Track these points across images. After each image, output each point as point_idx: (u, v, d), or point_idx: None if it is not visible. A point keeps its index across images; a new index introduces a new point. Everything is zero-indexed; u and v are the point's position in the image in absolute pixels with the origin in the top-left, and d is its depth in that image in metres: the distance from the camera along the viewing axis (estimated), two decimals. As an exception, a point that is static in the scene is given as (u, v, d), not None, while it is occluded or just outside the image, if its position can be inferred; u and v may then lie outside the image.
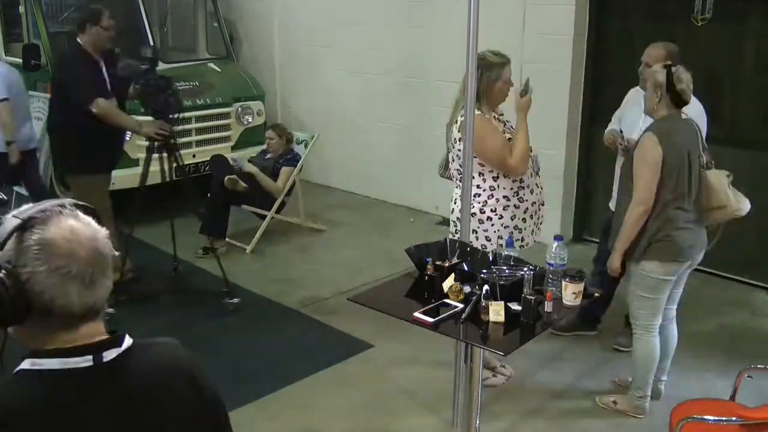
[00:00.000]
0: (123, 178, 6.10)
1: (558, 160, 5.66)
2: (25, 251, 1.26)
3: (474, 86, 3.20)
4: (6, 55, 7.06)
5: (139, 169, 6.19)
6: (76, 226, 1.31)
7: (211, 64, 7.13)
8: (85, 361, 1.30)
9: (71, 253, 1.28)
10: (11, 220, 1.28)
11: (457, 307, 2.73)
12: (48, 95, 6.09)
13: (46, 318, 1.28)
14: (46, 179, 6.03)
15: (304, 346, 4.28)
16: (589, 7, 5.44)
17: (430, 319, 2.66)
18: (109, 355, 1.33)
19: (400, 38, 6.55)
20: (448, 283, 2.82)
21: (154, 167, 6.16)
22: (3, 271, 1.24)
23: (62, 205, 1.33)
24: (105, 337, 1.36)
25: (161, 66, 6.65)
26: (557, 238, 2.86)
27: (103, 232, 1.35)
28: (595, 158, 5.74)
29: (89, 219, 1.35)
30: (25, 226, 1.27)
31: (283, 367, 4.00)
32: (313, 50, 7.35)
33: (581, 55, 5.52)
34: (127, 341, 1.38)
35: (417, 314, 2.68)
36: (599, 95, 5.62)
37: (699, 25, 4.98)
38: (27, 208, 1.30)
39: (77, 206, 1.36)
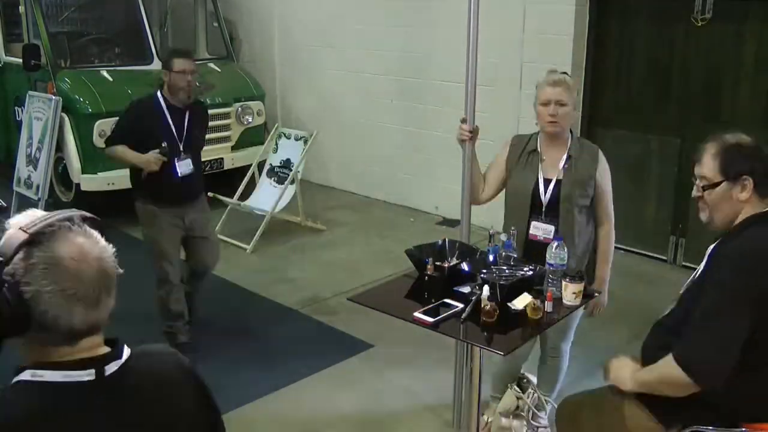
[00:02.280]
0: (123, 178, 6.11)
1: (558, 160, 5.66)
2: (31, 269, 1.23)
3: (474, 86, 3.19)
4: (6, 55, 7.07)
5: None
6: (85, 244, 1.28)
7: (211, 64, 7.13)
8: (88, 375, 1.29)
9: (78, 274, 1.25)
10: (18, 233, 1.24)
11: (457, 307, 2.73)
12: (48, 95, 6.12)
13: (46, 333, 1.26)
14: (47, 179, 6.02)
15: (304, 346, 4.28)
16: (589, 7, 5.44)
17: (430, 319, 2.65)
18: (111, 368, 1.32)
19: (400, 38, 6.55)
20: (524, 300, 2.69)
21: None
22: (6, 285, 1.21)
23: (70, 219, 1.30)
24: (106, 349, 1.34)
25: (161, 66, 6.69)
26: (557, 238, 2.85)
27: (109, 249, 1.33)
28: (595, 158, 5.74)
29: (97, 235, 1.32)
30: (33, 241, 1.24)
31: (283, 367, 4.00)
32: (313, 50, 7.36)
33: (581, 55, 5.52)
34: (126, 352, 1.37)
35: (417, 314, 2.68)
36: (599, 96, 5.63)
37: (699, 25, 4.99)
38: (34, 221, 1.26)
39: (85, 219, 1.33)
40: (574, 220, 3.01)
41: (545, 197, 3.04)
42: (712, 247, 2.26)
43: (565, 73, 3.11)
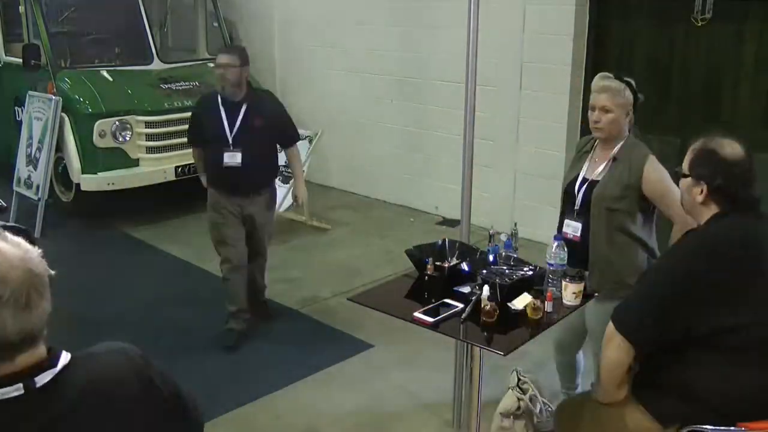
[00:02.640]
0: (123, 178, 6.12)
1: (558, 160, 5.66)
2: None
3: (474, 86, 3.19)
4: (6, 55, 7.07)
5: (139, 169, 6.25)
6: (5, 248, 1.23)
7: (211, 64, 7.11)
8: (16, 390, 1.22)
9: (2, 276, 1.20)
10: None
11: (457, 307, 2.73)
12: (48, 95, 6.12)
13: None
14: (47, 179, 6.02)
15: (304, 346, 4.28)
16: (589, 7, 5.44)
17: (430, 319, 2.66)
18: (43, 378, 1.25)
19: (400, 38, 6.55)
20: (524, 300, 2.70)
21: (154, 167, 6.25)
22: None
23: None
24: (36, 360, 1.26)
25: (161, 66, 6.71)
26: (557, 238, 2.85)
27: (35, 251, 1.27)
28: (595, 158, 5.74)
29: (18, 239, 1.27)
30: None
31: (283, 367, 4.00)
32: (313, 50, 7.36)
33: (581, 55, 5.52)
34: (64, 359, 1.30)
35: (417, 314, 2.68)
36: (599, 95, 5.62)
37: (699, 25, 4.98)
38: None
39: (5, 227, 1.30)
40: (606, 222, 2.97)
41: (579, 196, 3.07)
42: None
43: (622, 78, 3.07)
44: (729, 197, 2.22)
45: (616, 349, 2.22)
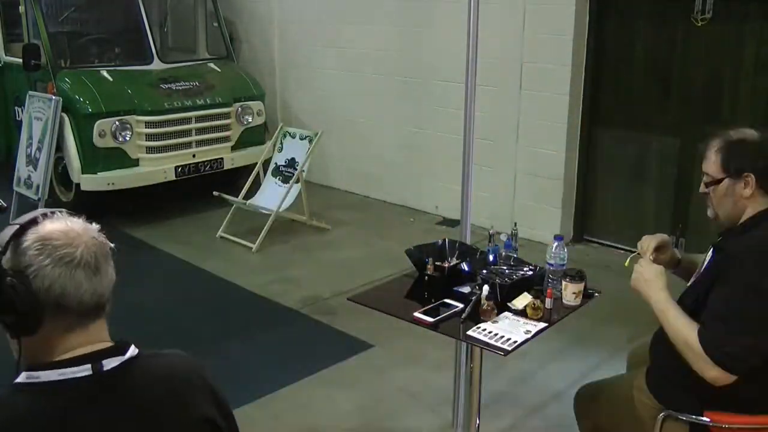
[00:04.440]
0: (123, 178, 6.13)
1: (558, 160, 5.67)
2: (24, 252, 1.27)
3: (474, 86, 3.19)
4: (6, 55, 7.07)
5: (139, 169, 6.25)
6: (68, 221, 1.34)
7: (211, 64, 7.13)
8: (84, 371, 1.28)
9: (71, 241, 1.29)
10: (9, 228, 1.30)
11: (457, 307, 2.73)
12: (48, 95, 6.12)
13: (58, 319, 1.27)
14: (47, 179, 6.02)
15: (304, 346, 4.28)
16: (589, 7, 5.44)
17: (430, 319, 2.66)
18: (110, 363, 1.31)
19: (400, 38, 6.55)
20: (524, 300, 2.69)
21: (154, 167, 6.26)
22: (8, 278, 1.24)
23: (52, 212, 1.36)
24: (105, 345, 1.34)
25: (161, 66, 6.71)
26: (557, 238, 2.85)
27: (94, 226, 1.37)
28: (595, 158, 5.75)
29: (76, 218, 1.37)
30: (18, 233, 1.29)
31: (283, 367, 4.00)
32: (313, 50, 7.36)
33: (581, 55, 5.53)
34: (132, 351, 1.36)
35: (417, 314, 2.68)
36: (599, 95, 5.63)
37: (699, 25, 4.99)
38: (17, 220, 1.33)
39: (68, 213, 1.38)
40: None
41: None
42: (718, 240, 2.25)
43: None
44: None
45: (712, 376, 2.06)
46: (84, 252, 1.29)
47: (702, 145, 2.26)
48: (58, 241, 1.28)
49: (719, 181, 2.19)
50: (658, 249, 2.49)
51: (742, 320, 2.03)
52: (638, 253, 2.46)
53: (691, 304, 2.21)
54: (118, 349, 1.34)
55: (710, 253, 2.28)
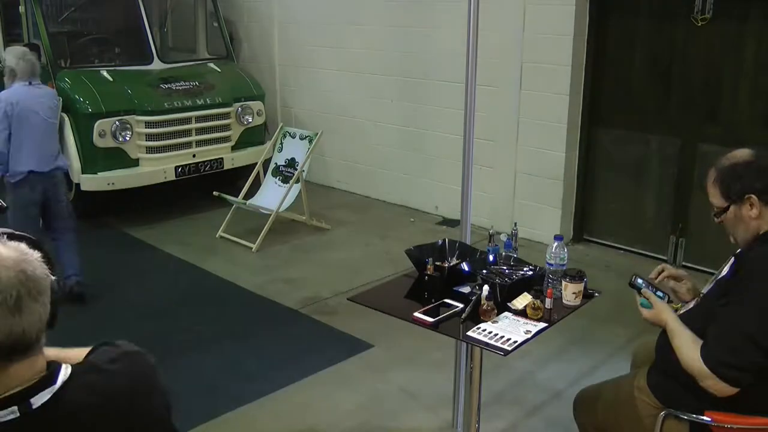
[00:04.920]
0: (123, 178, 6.13)
1: (558, 160, 5.67)
2: None
3: (474, 86, 3.18)
4: (6, 55, 7.07)
5: (139, 169, 6.25)
6: (0, 250, 1.20)
7: (211, 64, 7.13)
8: (11, 413, 1.16)
9: None
10: None
11: (457, 307, 2.73)
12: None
13: None
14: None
15: (304, 346, 4.28)
16: (589, 7, 5.44)
17: (430, 319, 2.66)
18: (41, 399, 1.19)
19: (400, 38, 6.55)
20: (524, 300, 2.70)
21: (154, 167, 6.26)
22: None
23: None
24: (34, 379, 1.20)
25: (161, 66, 6.71)
26: (557, 238, 2.85)
27: (34, 255, 1.23)
28: (594, 158, 5.75)
29: (19, 244, 1.24)
30: None
31: (283, 367, 4.00)
32: (313, 50, 7.36)
33: (581, 55, 5.53)
34: (64, 374, 1.24)
35: (417, 314, 2.68)
36: (599, 95, 5.63)
37: (699, 25, 4.98)
38: None
39: (13, 236, 1.27)
40: None
41: None
42: (738, 251, 2.26)
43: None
44: None
45: (716, 389, 2.10)
46: (3, 290, 1.15)
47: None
48: None
49: (726, 209, 2.23)
50: (674, 278, 2.57)
51: (750, 342, 2.05)
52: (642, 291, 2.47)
53: (700, 310, 2.24)
54: (49, 378, 1.22)
55: (731, 261, 2.28)
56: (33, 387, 1.19)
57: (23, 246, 1.24)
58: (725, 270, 2.29)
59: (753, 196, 2.17)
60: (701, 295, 2.39)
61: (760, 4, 4.77)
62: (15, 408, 1.16)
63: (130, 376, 1.34)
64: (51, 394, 1.20)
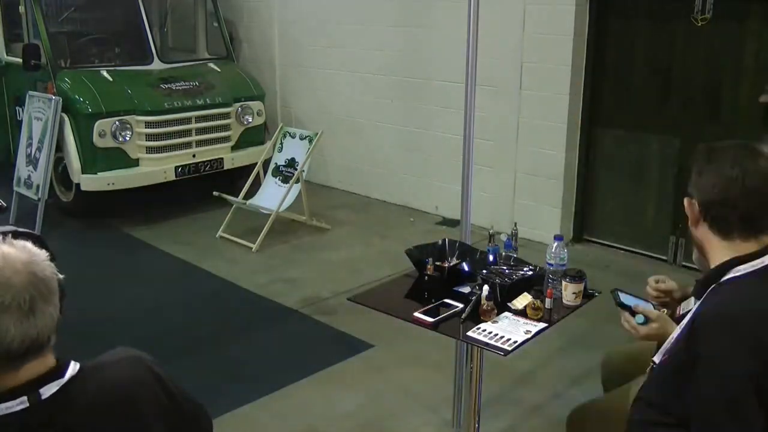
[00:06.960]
0: (123, 178, 6.13)
1: (558, 160, 5.67)
2: None
3: (474, 86, 3.18)
4: (7, 55, 7.07)
5: (139, 169, 6.25)
6: (9, 252, 1.19)
7: (211, 64, 7.13)
8: (20, 404, 1.18)
9: (4, 280, 1.16)
10: None
11: (457, 307, 2.73)
12: (48, 95, 6.12)
13: None
14: (47, 179, 6.02)
15: (304, 346, 4.28)
16: (589, 7, 5.44)
17: (430, 319, 2.66)
18: (49, 390, 1.21)
19: (400, 38, 6.56)
20: (524, 300, 2.68)
21: (154, 167, 6.26)
22: None
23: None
24: (44, 370, 1.22)
25: (161, 66, 6.71)
26: (557, 238, 2.85)
27: (42, 255, 1.23)
28: (594, 158, 5.75)
29: (27, 244, 1.24)
30: None
31: (283, 367, 4.00)
32: (313, 50, 7.36)
33: (581, 55, 5.53)
34: (72, 369, 1.26)
35: (417, 314, 2.68)
36: (599, 95, 5.63)
37: (699, 25, 4.98)
38: None
39: (17, 234, 1.26)
40: None
41: None
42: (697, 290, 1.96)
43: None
44: None
45: None
46: (17, 294, 1.15)
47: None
48: None
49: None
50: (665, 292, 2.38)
51: (728, 414, 1.72)
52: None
53: (655, 383, 1.96)
54: (57, 371, 1.24)
55: (692, 306, 1.99)
56: (43, 377, 1.21)
57: (30, 246, 1.24)
58: (682, 327, 1.92)
59: (693, 200, 1.89)
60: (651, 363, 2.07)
61: (760, 4, 4.78)
62: (25, 398, 1.18)
63: (134, 372, 1.36)
64: (59, 386, 1.22)
